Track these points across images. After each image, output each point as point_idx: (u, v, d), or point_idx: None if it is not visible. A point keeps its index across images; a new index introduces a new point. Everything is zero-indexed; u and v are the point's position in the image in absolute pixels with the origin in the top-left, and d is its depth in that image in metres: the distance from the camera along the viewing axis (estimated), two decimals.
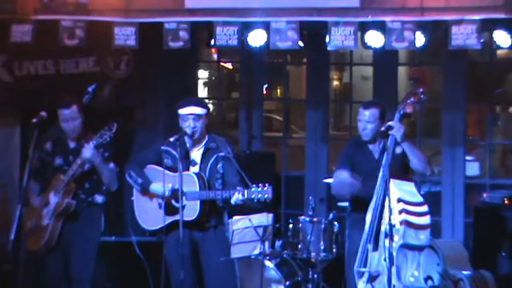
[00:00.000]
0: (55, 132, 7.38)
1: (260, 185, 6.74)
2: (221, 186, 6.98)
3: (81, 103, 7.49)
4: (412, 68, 9.77)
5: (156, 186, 6.97)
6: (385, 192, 6.59)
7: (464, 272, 8.05)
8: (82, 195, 7.30)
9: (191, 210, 6.86)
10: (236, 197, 6.77)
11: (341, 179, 6.99)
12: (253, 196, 6.73)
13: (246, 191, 6.74)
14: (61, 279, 7.33)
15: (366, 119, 6.97)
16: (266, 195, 6.73)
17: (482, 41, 8.05)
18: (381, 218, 6.69)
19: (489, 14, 7.95)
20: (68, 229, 7.28)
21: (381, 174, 6.70)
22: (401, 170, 6.87)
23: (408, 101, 6.79)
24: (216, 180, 6.98)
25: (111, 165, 7.30)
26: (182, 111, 6.99)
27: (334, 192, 7.18)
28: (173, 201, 6.91)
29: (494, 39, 8.24)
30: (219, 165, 6.99)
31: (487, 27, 8.08)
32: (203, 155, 7.01)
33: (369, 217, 6.79)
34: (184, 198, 6.82)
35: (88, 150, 7.11)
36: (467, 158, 9.65)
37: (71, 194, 7.23)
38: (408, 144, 6.80)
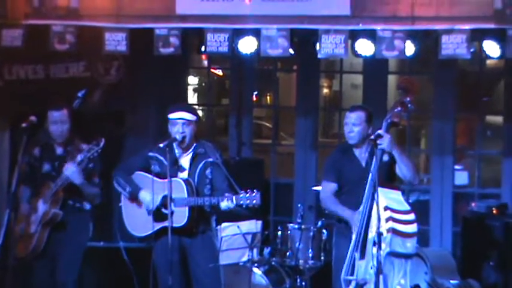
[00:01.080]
0: (43, 137, 7.37)
1: (248, 191, 6.74)
2: (210, 191, 6.97)
3: (72, 108, 7.48)
4: (400, 77, 9.79)
5: (145, 195, 6.96)
6: (372, 200, 6.60)
7: (452, 281, 8.07)
8: (70, 202, 7.28)
9: (180, 217, 6.85)
10: (225, 204, 6.77)
11: (327, 206, 7.01)
12: (241, 202, 6.73)
13: (234, 197, 6.74)
14: (48, 286, 7.31)
15: (352, 121, 6.96)
16: (254, 201, 6.73)
17: (472, 50, 8.07)
18: (368, 226, 6.70)
19: (479, 24, 7.98)
20: (56, 237, 7.26)
21: (368, 183, 6.72)
22: (388, 178, 6.88)
23: (395, 110, 6.80)
24: (205, 186, 6.98)
25: (96, 179, 7.27)
26: (172, 115, 6.99)
27: (322, 205, 7.19)
28: (162, 208, 6.90)
29: (484, 49, 8.26)
30: (208, 171, 6.99)
31: (477, 37, 8.11)
32: (191, 161, 7.00)
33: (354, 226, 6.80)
34: (173, 204, 6.81)
35: (69, 168, 7.09)
36: (456, 167, 9.67)
37: (58, 203, 7.20)
38: (397, 152, 6.81)
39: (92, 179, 7.25)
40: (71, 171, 7.09)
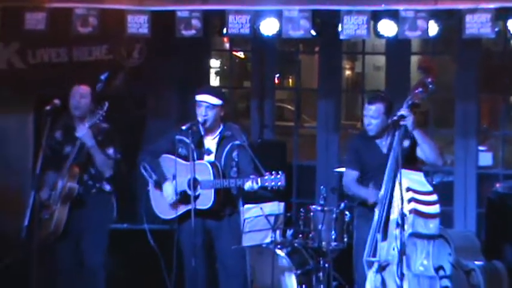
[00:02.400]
0: (66, 121, 7.42)
1: (273, 172, 6.73)
2: (236, 174, 6.97)
3: (95, 90, 7.52)
4: (421, 58, 9.74)
5: (168, 187, 6.96)
6: (394, 182, 6.59)
7: (476, 262, 8.04)
8: (89, 182, 7.32)
9: (206, 199, 6.86)
10: (249, 185, 6.76)
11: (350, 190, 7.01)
12: (266, 184, 6.73)
13: (259, 179, 6.74)
14: (73, 267, 7.36)
15: (371, 114, 6.94)
16: (279, 183, 6.73)
17: (496, 30, 8.00)
18: (389, 207, 6.69)
19: (504, 3, 7.90)
20: (77, 216, 7.30)
21: (389, 164, 6.70)
22: (409, 161, 6.85)
23: (416, 91, 6.77)
24: (231, 169, 6.98)
25: (110, 150, 7.31)
26: (197, 97, 7.00)
27: (344, 190, 7.18)
28: (188, 190, 6.91)
29: (509, 28, 8.18)
30: (234, 154, 6.98)
31: (501, 16, 8.03)
32: (218, 144, 7.00)
33: (377, 207, 6.79)
34: (198, 187, 6.82)
35: (81, 130, 7.13)
36: (480, 148, 9.62)
37: (75, 178, 7.24)
38: (420, 132, 6.78)
39: (104, 151, 7.27)
40: (82, 133, 7.12)
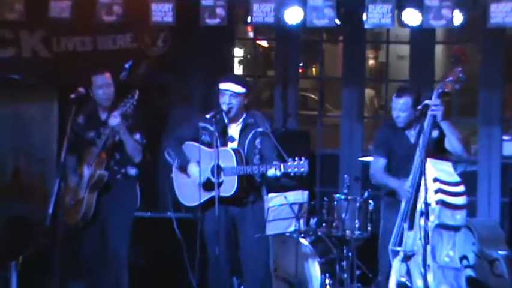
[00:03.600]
0: (89, 107, 7.45)
1: (296, 159, 6.73)
2: (259, 161, 6.96)
3: (117, 78, 7.55)
4: (453, 47, 9.68)
5: (193, 169, 6.98)
6: (422, 171, 6.57)
7: (500, 252, 8.03)
8: (115, 167, 7.36)
9: (229, 186, 6.87)
10: (273, 172, 6.76)
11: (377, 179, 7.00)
12: (289, 170, 6.71)
13: (282, 165, 6.72)
14: (98, 253, 7.40)
15: (399, 107, 6.93)
16: (302, 169, 6.71)
17: None
18: (417, 197, 6.67)
19: None
20: (103, 201, 7.34)
21: (417, 153, 6.68)
22: (437, 153, 6.83)
23: (447, 80, 6.74)
24: (254, 156, 6.97)
25: (137, 136, 7.34)
26: (221, 86, 7.01)
27: (371, 179, 7.16)
28: (211, 177, 6.93)
29: None
30: (257, 141, 6.98)
31: None
32: (241, 131, 7.00)
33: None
34: (222, 173, 6.84)
35: (114, 119, 7.16)
36: (504, 137, 9.58)
37: (103, 165, 7.28)
38: (447, 123, 6.76)
39: (132, 136, 7.30)
40: (116, 121, 7.15)
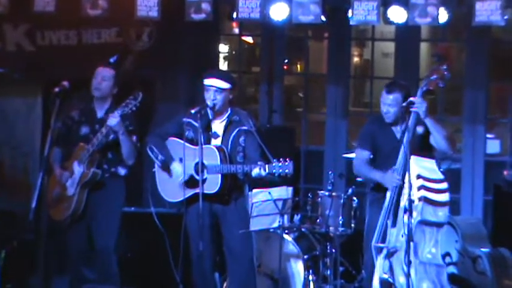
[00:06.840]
0: (84, 100, 7.41)
1: (281, 159, 6.72)
2: (242, 159, 6.96)
3: (119, 75, 7.52)
4: (436, 45, 9.71)
5: (176, 167, 6.97)
6: (405, 168, 6.58)
7: (482, 250, 8.06)
8: (105, 166, 7.34)
9: (212, 184, 6.87)
10: (257, 172, 6.76)
11: (360, 172, 7.00)
12: (274, 171, 6.71)
13: (267, 166, 6.72)
14: (84, 249, 7.38)
15: (388, 103, 6.93)
16: (287, 170, 6.72)
17: (506, 17, 7.98)
18: (400, 194, 6.69)
19: None
20: (93, 199, 7.32)
21: (401, 150, 6.69)
22: (422, 148, 6.84)
23: (431, 78, 6.75)
24: (238, 154, 6.96)
25: (134, 138, 7.33)
26: (206, 81, 6.99)
27: (354, 172, 7.18)
28: (195, 174, 6.92)
29: None
30: (241, 139, 6.96)
31: (511, 3, 8.00)
32: (225, 128, 6.99)
33: (388, 193, 6.79)
34: (205, 171, 6.83)
35: (113, 119, 7.13)
36: (488, 135, 9.61)
37: (95, 163, 7.27)
38: (431, 120, 6.77)
39: (131, 138, 7.29)
40: (115, 121, 7.12)
